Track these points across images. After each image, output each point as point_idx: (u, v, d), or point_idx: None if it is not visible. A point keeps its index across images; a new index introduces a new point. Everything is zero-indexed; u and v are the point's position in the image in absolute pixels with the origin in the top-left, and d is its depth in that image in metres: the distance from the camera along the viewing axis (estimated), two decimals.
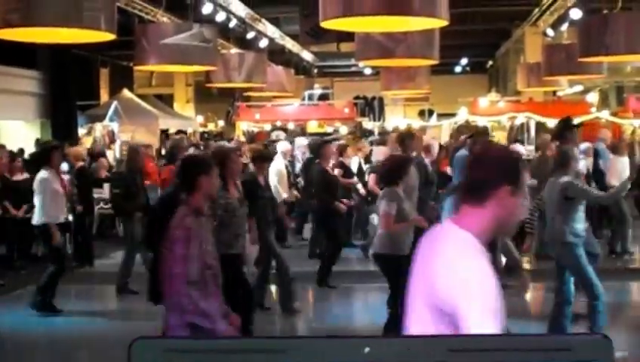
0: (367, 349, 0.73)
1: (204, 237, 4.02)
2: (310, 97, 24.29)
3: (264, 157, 7.86)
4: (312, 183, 10.04)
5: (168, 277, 3.95)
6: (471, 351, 0.72)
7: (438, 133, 20.07)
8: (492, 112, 19.81)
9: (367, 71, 24.13)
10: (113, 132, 15.77)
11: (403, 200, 6.33)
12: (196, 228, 3.99)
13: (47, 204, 7.71)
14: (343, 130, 21.37)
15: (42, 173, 7.79)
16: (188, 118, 23.02)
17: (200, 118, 24.90)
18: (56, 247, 7.82)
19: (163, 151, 15.11)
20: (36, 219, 7.83)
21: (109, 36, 6.36)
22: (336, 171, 10.09)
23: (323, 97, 25.39)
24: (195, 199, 4.11)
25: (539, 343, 0.73)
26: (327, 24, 6.40)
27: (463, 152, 8.94)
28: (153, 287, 5.15)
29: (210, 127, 25.75)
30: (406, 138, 8.32)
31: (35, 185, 7.83)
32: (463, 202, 2.03)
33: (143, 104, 19.39)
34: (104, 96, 21.40)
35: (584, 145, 10.99)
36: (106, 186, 11.55)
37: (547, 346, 0.73)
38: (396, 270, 5.90)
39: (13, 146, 13.47)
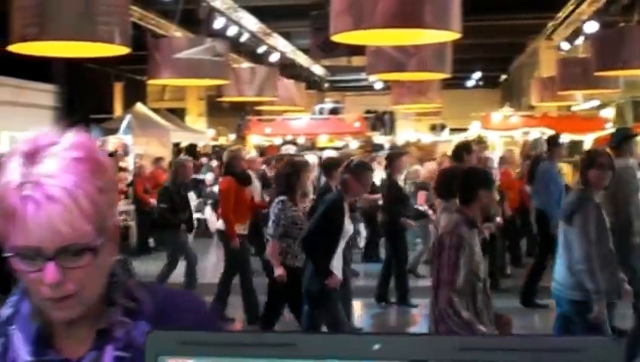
0: (377, 346, 0.74)
1: (474, 249, 4.13)
2: (321, 111, 24.32)
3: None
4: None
5: (436, 283, 4.04)
6: (482, 350, 0.73)
7: (450, 148, 19.99)
8: (505, 127, 19.74)
9: (378, 85, 24.14)
10: (126, 145, 15.84)
11: None
12: (468, 238, 4.11)
13: None
14: (354, 144, 21.37)
15: None
16: (199, 132, 23.11)
17: (211, 132, 24.98)
18: None
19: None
20: None
21: (124, 50, 6.40)
22: None
23: (334, 111, 25.42)
24: (472, 210, 4.26)
25: (550, 344, 0.74)
26: (337, 37, 6.41)
27: (547, 164, 8.99)
28: None
29: (222, 140, 25.85)
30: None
31: None
32: None
33: (156, 117, 19.50)
34: (118, 109, 21.53)
35: None
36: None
37: (558, 347, 0.74)
38: None
39: None
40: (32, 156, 1.17)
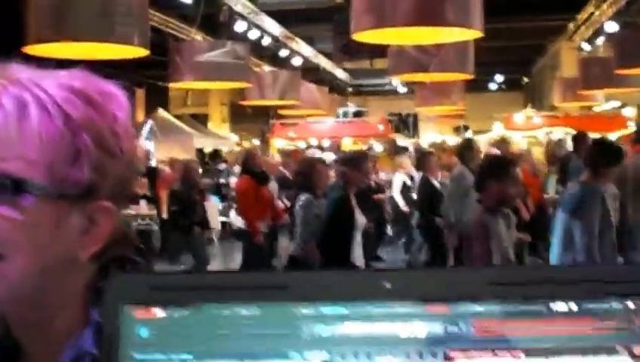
0: (387, 284, 0.62)
1: (501, 235, 4.21)
2: (345, 115, 24.22)
3: None
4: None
5: None
6: (516, 285, 0.62)
7: None
8: (527, 127, 19.56)
9: (402, 89, 24.00)
10: (149, 151, 15.84)
11: None
12: (492, 225, 4.22)
13: None
14: (378, 147, 21.24)
15: None
16: (223, 138, 23.09)
17: (235, 137, 24.96)
18: None
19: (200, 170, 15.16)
20: None
21: (143, 52, 6.35)
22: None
23: (357, 115, 25.31)
24: (486, 199, 4.42)
25: (597, 274, 0.63)
26: (359, 36, 6.33)
27: (579, 163, 8.80)
28: None
29: (245, 145, 25.82)
30: (466, 149, 8.22)
31: None
32: None
33: (178, 123, 19.50)
34: (140, 116, 21.56)
35: None
36: (142, 203, 11.66)
37: (606, 277, 0.63)
38: None
39: None
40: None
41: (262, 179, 8.50)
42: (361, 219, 6.06)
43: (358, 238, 5.98)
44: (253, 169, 8.42)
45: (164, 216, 13.91)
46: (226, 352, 0.61)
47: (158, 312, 0.61)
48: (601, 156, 5.08)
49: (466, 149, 8.21)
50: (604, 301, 0.62)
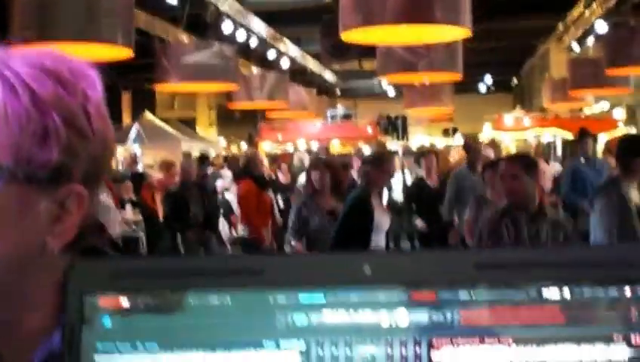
0: (369, 269, 0.58)
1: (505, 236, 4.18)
2: (333, 117, 24.23)
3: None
4: None
5: None
6: (504, 268, 0.58)
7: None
8: (517, 128, 19.61)
9: (391, 93, 24.02)
10: (135, 155, 15.77)
11: None
12: (499, 228, 4.20)
13: None
14: (366, 149, 21.22)
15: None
16: (211, 141, 23.04)
17: (223, 141, 24.92)
18: None
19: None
20: None
21: (127, 52, 6.29)
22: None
23: (346, 117, 25.31)
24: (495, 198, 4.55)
25: (584, 257, 0.59)
26: (347, 36, 6.30)
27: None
28: None
29: (233, 149, 25.78)
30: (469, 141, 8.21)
31: None
32: None
33: (165, 127, 19.45)
34: (126, 119, 21.51)
35: None
36: (128, 207, 11.54)
37: (603, 259, 0.59)
38: None
39: None
40: None
41: (263, 183, 8.38)
42: (383, 220, 5.90)
43: (378, 241, 5.81)
44: (254, 172, 8.28)
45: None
46: (194, 341, 0.57)
47: (123, 300, 0.58)
48: (632, 151, 4.95)
49: (473, 149, 8.17)
50: (601, 287, 0.59)
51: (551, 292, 0.58)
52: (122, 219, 11.78)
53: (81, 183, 0.80)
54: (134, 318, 0.57)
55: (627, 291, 0.58)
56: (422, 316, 0.58)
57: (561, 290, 0.58)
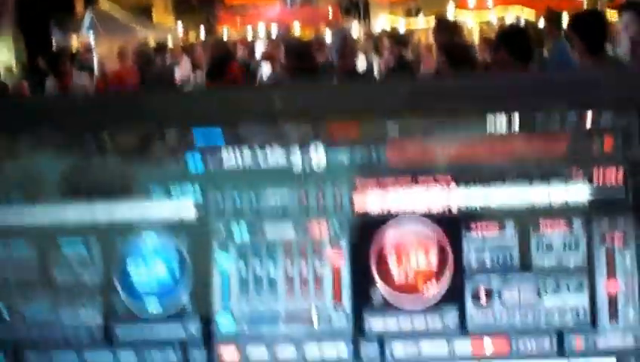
0: (279, 103, 0.48)
1: None
2: (293, 0, 23.64)
3: None
4: None
5: None
6: (440, 95, 0.49)
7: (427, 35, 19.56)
8: (481, 7, 19.27)
9: None
10: (90, 44, 15.28)
11: None
12: None
13: None
14: (328, 34, 20.84)
15: None
16: (167, 29, 22.37)
17: (180, 28, 24.19)
18: None
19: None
20: None
21: None
22: None
23: (306, 1, 24.71)
24: None
25: (535, 81, 0.50)
26: None
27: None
28: None
29: (191, 37, 25.16)
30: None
31: None
32: None
33: (120, 15, 18.79)
34: (79, 7, 20.72)
35: None
36: None
37: (546, 84, 0.50)
38: None
39: None
40: None
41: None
42: None
43: None
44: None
45: None
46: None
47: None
48: None
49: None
50: (555, 113, 0.49)
51: (498, 122, 0.49)
52: None
53: None
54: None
55: (588, 117, 0.49)
56: (342, 155, 0.48)
57: (509, 119, 0.49)
